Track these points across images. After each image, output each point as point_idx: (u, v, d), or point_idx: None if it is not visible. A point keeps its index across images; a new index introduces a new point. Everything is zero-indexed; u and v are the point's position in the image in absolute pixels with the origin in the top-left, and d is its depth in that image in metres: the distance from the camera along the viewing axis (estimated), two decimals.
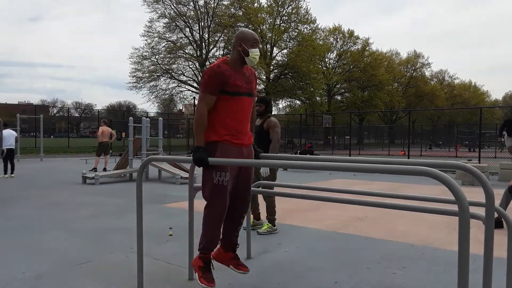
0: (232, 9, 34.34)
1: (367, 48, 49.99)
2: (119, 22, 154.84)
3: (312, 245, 4.37)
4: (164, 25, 33.58)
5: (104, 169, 12.50)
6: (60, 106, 79.90)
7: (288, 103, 46.53)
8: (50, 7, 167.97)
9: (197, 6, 33.41)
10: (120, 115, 49.47)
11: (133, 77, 33.72)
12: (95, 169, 12.62)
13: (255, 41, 2.81)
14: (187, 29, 34.01)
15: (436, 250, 4.16)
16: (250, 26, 35.10)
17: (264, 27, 36.99)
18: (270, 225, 4.87)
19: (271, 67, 37.70)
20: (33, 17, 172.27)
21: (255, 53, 2.79)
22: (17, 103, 75.03)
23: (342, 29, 49.03)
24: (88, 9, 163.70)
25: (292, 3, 37.04)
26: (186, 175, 9.86)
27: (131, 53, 40.88)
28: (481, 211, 2.38)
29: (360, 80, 48.33)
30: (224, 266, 3.15)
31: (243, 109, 2.84)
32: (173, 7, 33.11)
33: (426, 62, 61.32)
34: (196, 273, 2.85)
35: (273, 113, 6.39)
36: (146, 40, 33.65)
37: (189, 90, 36.41)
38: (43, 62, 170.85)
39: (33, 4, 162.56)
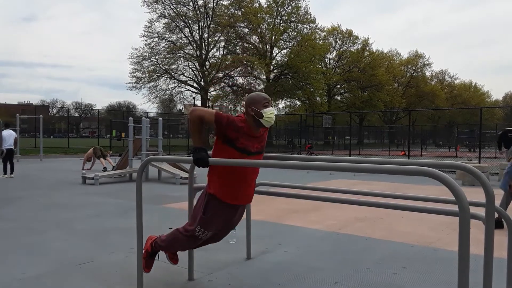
0: (231, 9, 34.33)
1: (367, 48, 49.95)
2: (116, 22, 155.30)
3: (312, 245, 4.37)
4: (164, 25, 33.56)
5: (104, 169, 12.53)
6: (59, 106, 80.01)
7: (288, 103, 46.58)
8: (44, 6, 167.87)
9: (196, 6, 33.40)
10: (120, 115, 49.48)
11: (132, 77, 33.69)
12: (105, 169, 12.61)
13: (265, 101, 2.71)
14: (187, 29, 33.95)
15: (436, 250, 4.16)
16: (249, 26, 35.12)
17: (264, 27, 37.02)
18: None
19: (271, 67, 37.70)
20: (27, 17, 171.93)
21: (269, 112, 2.68)
22: (16, 103, 75.18)
23: (341, 29, 49.05)
24: (84, 9, 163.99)
25: (291, 2, 37.06)
26: (186, 175, 9.86)
27: (131, 54, 40.94)
28: (481, 211, 2.38)
29: (360, 80, 48.29)
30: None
31: (251, 168, 2.77)
32: (172, 7, 33.10)
33: (427, 62, 61.26)
34: (143, 251, 3.01)
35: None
36: (145, 40, 33.59)
37: (189, 90, 36.39)
38: (39, 62, 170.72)
39: (27, 3, 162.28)
